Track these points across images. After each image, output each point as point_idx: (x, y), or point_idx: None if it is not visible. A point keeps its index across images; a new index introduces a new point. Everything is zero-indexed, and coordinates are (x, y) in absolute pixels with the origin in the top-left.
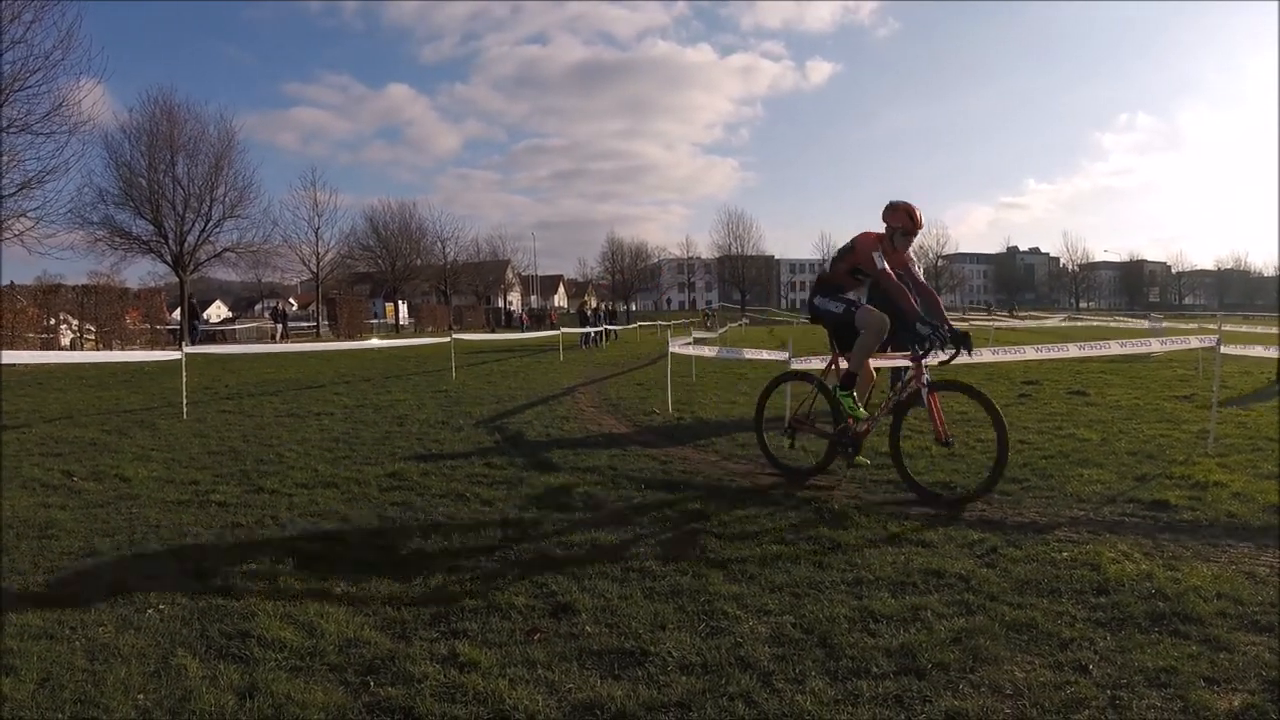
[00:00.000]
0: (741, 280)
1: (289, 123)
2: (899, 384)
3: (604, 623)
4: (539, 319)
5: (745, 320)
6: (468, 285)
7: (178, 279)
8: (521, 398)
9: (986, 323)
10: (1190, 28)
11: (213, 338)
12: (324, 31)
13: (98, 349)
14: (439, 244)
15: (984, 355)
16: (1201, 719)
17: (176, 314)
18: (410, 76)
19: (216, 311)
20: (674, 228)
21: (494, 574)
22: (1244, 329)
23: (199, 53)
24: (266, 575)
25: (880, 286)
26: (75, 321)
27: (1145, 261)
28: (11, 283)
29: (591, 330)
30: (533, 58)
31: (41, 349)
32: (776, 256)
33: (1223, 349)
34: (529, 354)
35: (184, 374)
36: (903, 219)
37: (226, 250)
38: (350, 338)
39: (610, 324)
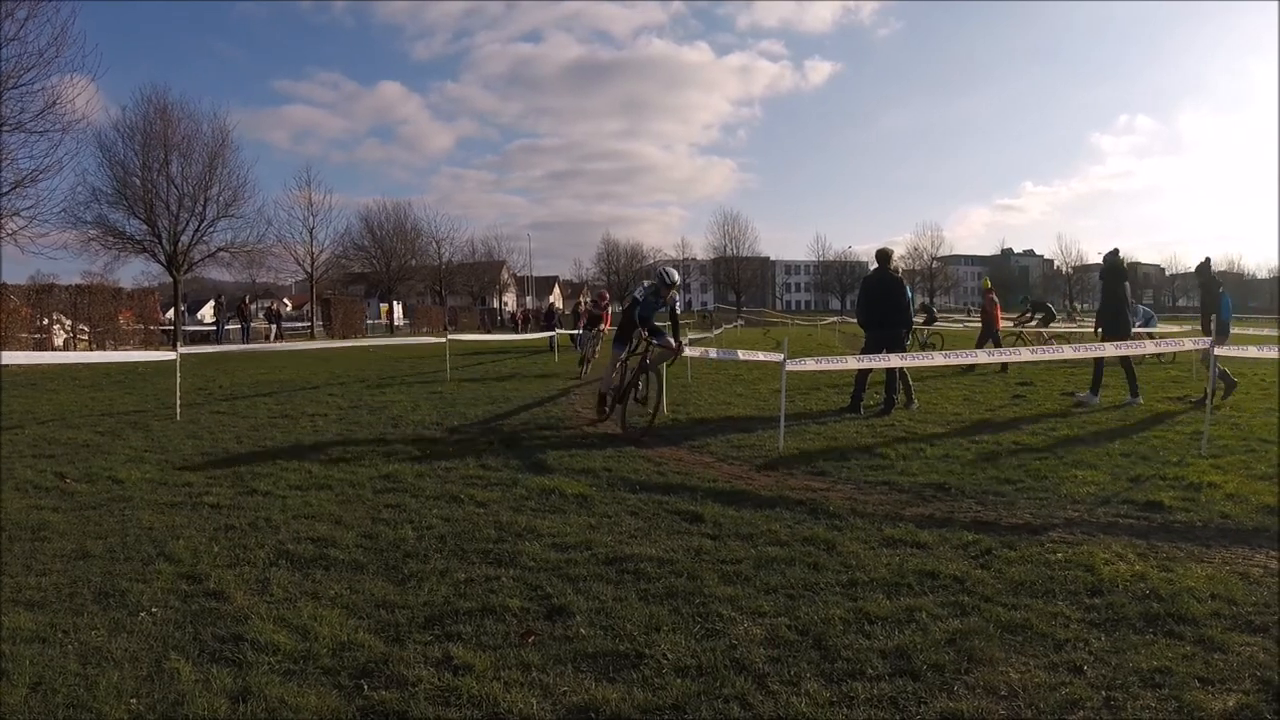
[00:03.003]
0: (737, 281)
1: (281, 121)
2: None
3: (599, 625)
4: (548, 318)
5: (740, 321)
6: (463, 286)
7: (171, 279)
8: (516, 399)
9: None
10: (1194, 30)
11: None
12: (314, 28)
13: (91, 349)
14: (434, 244)
15: (980, 357)
16: (1196, 719)
17: (170, 314)
18: (402, 74)
19: (209, 313)
20: (672, 229)
21: (488, 576)
22: (1236, 330)
23: (188, 48)
24: (259, 578)
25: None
26: (68, 322)
27: (1139, 264)
28: (3, 283)
29: (584, 331)
30: (525, 56)
31: (34, 349)
32: (772, 258)
33: (1216, 350)
34: (524, 355)
35: (178, 375)
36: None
37: (220, 250)
38: (344, 339)
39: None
